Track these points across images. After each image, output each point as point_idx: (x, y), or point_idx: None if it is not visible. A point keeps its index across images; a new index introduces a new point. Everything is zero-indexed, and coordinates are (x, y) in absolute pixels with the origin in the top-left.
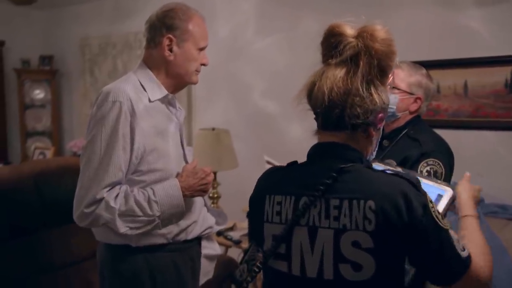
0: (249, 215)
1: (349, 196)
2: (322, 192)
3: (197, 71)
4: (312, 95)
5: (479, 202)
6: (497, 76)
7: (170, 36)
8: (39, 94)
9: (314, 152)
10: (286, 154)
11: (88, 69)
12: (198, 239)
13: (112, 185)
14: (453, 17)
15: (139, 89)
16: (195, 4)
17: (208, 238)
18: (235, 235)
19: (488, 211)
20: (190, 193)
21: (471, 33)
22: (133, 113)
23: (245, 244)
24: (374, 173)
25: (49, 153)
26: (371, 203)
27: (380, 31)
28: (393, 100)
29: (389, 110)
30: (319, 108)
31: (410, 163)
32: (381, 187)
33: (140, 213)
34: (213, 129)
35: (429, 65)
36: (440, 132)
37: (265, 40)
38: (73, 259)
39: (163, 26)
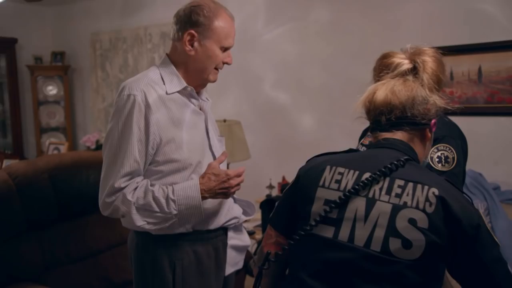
0: (294, 182)
1: (414, 180)
2: (389, 171)
3: (217, 69)
4: (373, 100)
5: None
6: None
7: (192, 31)
8: (52, 90)
9: (375, 145)
10: (298, 144)
11: (100, 64)
12: (223, 230)
13: (129, 175)
14: (467, 1)
15: (158, 82)
16: None
17: (236, 228)
18: (248, 226)
19: (504, 198)
20: (210, 195)
21: (485, 17)
22: (147, 105)
23: (258, 235)
24: (432, 172)
25: (63, 148)
26: (434, 190)
27: (428, 50)
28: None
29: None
30: (379, 111)
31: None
32: (443, 182)
33: (157, 209)
34: (225, 120)
35: (441, 51)
36: (454, 119)
37: (275, 31)
38: (89, 251)
39: (188, 21)
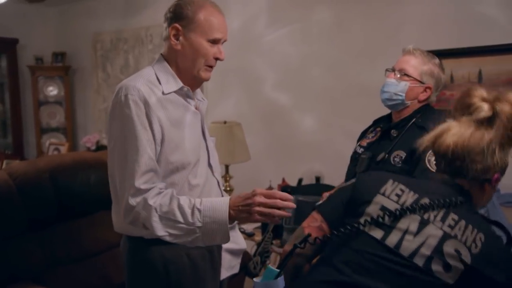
0: (354, 183)
1: (467, 219)
2: (448, 204)
3: (209, 66)
4: (437, 143)
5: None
6: None
7: (176, 25)
8: (52, 90)
9: (437, 179)
10: (298, 146)
11: (101, 65)
12: None
13: (147, 174)
14: (468, 4)
15: (153, 82)
16: None
17: (231, 231)
18: (248, 227)
19: (503, 201)
20: (234, 212)
21: (486, 20)
22: (146, 103)
23: (258, 237)
24: (484, 219)
25: (63, 149)
26: (481, 235)
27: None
28: (403, 87)
29: (397, 97)
30: (442, 156)
31: (419, 153)
32: (490, 230)
33: (180, 219)
34: (225, 122)
35: (442, 54)
36: None
37: (277, 32)
38: (89, 251)
39: (173, 16)
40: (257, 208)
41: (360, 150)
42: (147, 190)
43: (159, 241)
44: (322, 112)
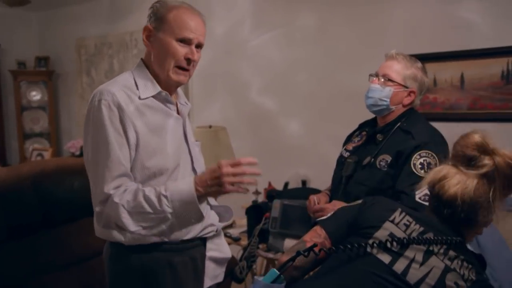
0: (361, 204)
1: (463, 256)
2: (449, 243)
3: (180, 67)
4: (439, 189)
5: None
6: (494, 68)
7: (148, 25)
8: (36, 95)
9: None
10: (284, 150)
11: (85, 70)
12: (201, 240)
13: (117, 178)
14: (450, 9)
15: (130, 87)
16: (190, 2)
17: (215, 239)
18: (234, 232)
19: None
20: (203, 189)
21: (468, 24)
22: (119, 108)
23: (244, 241)
24: (479, 258)
25: (47, 154)
26: (473, 271)
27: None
28: (387, 92)
29: (382, 103)
30: (444, 204)
31: (404, 157)
32: (480, 272)
33: (149, 209)
34: (210, 126)
35: (425, 58)
36: (437, 125)
37: (261, 37)
38: (73, 259)
39: (148, 18)
40: (227, 179)
41: (346, 154)
42: (115, 193)
43: (139, 248)
44: (307, 116)
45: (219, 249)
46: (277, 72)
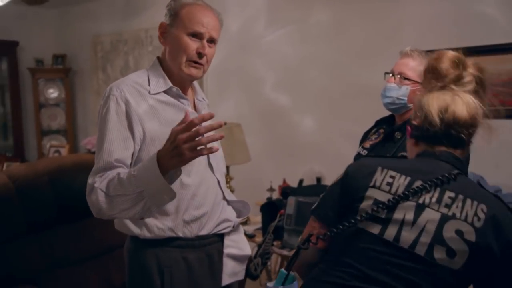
0: (343, 178)
1: (464, 194)
2: (441, 182)
3: (193, 61)
4: (451, 112)
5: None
6: None
7: (163, 22)
8: (53, 92)
9: (428, 154)
10: (298, 147)
11: (101, 66)
12: (219, 236)
13: (103, 171)
14: (467, 3)
15: (141, 83)
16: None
17: (234, 236)
18: (248, 229)
19: (506, 201)
20: (166, 162)
21: (486, 19)
22: (126, 102)
23: (259, 238)
24: (482, 188)
25: (64, 151)
26: (483, 206)
27: (481, 66)
28: (404, 91)
29: (400, 101)
30: (451, 126)
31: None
32: (493, 199)
33: (122, 191)
34: (225, 123)
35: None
36: None
37: (276, 33)
38: (89, 254)
39: (165, 16)
40: (185, 146)
41: (363, 152)
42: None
43: (155, 243)
44: (321, 112)
45: (238, 246)
46: (291, 68)
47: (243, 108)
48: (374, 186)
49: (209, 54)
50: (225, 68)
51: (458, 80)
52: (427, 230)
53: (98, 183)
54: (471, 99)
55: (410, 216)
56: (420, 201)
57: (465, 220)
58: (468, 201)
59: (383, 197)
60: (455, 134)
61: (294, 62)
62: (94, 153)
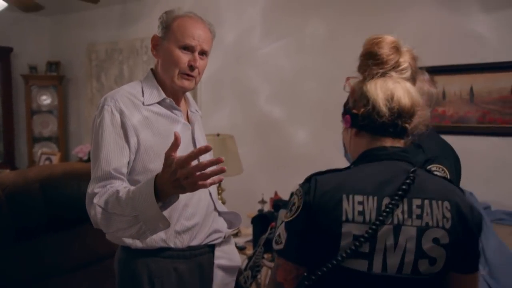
0: (304, 212)
1: (428, 196)
2: (405, 192)
3: (185, 73)
4: (396, 100)
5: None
6: (503, 81)
7: (155, 35)
8: (46, 99)
9: (380, 154)
10: (291, 159)
11: (95, 75)
12: (210, 247)
13: (102, 180)
14: (460, 22)
15: (136, 94)
16: (200, 10)
17: (224, 247)
18: (239, 241)
19: (495, 218)
20: (167, 190)
21: (477, 38)
22: (121, 112)
23: (249, 251)
24: (434, 177)
25: (55, 159)
26: (446, 204)
27: (415, 54)
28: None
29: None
30: (397, 116)
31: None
32: (448, 189)
33: (120, 211)
34: (218, 134)
35: (434, 70)
36: (446, 138)
37: (271, 45)
38: (79, 263)
39: (158, 28)
40: (186, 181)
41: None
42: (98, 193)
43: (146, 253)
44: (315, 125)
45: (228, 257)
46: (285, 80)
47: (237, 119)
48: (347, 221)
49: (200, 66)
50: (220, 79)
51: (397, 67)
52: (408, 249)
53: (97, 198)
54: (410, 87)
55: (390, 241)
56: (395, 221)
57: (437, 226)
58: (434, 204)
59: (360, 230)
60: (400, 124)
61: (289, 74)
62: (86, 161)
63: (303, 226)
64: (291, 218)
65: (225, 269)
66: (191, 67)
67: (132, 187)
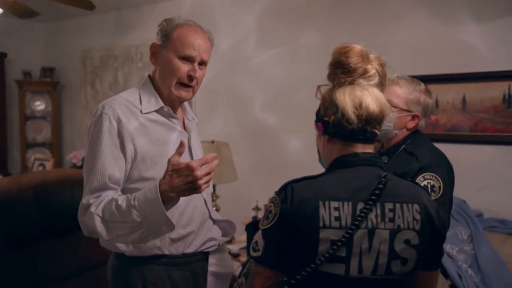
0: (281, 220)
1: (399, 200)
2: (378, 197)
3: (182, 83)
4: (364, 107)
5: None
6: (495, 91)
7: (154, 42)
8: (40, 105)
9: (352, 161)
10: (285, 166)
11: (89, 81)
12: (204, 254)
13: (98, 191)
14: (452, 32)
15: (133, 102)
16: (195, 18)
17: (218, 254)
18: (233, 248)
19: (487, 225)
20: (176, 194)
21: (470, 48)
22: (119, 121)
23: (243, 258)
24: (404, 180)
25: (48, 165)
26: (416, 206)
27: (382, 61)
28: (390, 118)
29: (386, 128)
30: (368, 120)
31: (409, 179)
32: (416, 192)
33: (121, 219)
34: (213, 141)
35: (428, 79)
36: (439, 146)
37: (265, 54)
38: (71, 271)
39: (156, 35)
40: (202, 181)
41: None
42: (93, 203)
43: (140, 260)
44: (309, 133)
45: (222, 264)
46: (280, 89)
47: (231, 127)
48: (325, 227)
49: (199, 76)
50: (214, 87)
51: (365, 74)
52: (382, 251)
53: (94, 207)
54: (378, 93)
55: (365, 244)
56: (369, 225)
57: (408, 228)
58: (405, 207)
59: (337, 235)
60: (369, 130)
61: (284, 82)
62: (79, 167)
63: (280, 233)
64: (268, 225)
65: (219, 276)
66: (190, 77)
67: (131, 195)
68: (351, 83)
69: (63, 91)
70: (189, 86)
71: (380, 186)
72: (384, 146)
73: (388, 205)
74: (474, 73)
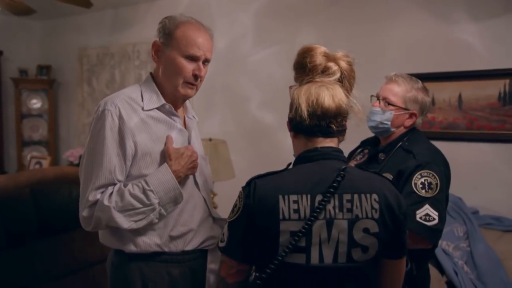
0: (244, 214)
1: (357, 190)
2: (335, 189)
3: (188, 82)
4: (319, 103)
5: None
6: (491, 89)
7: (157, 41)
8: (36, 103)
9: (313, 155)
10: (282, 164)
11: (86, 79)
12: (202, 252)
13: (104, 188)
14: (448, 31)
15: (135, 99)
16: (192, 16)
17: (217, 251)
18: None
19: (482, 222)
20: (183, 173)
21: (465, 46)
22: (120, 118)
23: None
24: (364, 172)
25: (45, 163)
26: (375, 196)
27: (344, 56)
28: (388, 116)
29: (383, 125)
30: (324, 116)
31: (405, 176)
32: (376, 183)
33: (139, 205)
34: (210, 139)
35: (424, 77)
36: (435, 144)
37: (262, 52)
38: (69, 269)
39: (157, 33)
40: (198, 160)
41: None
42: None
43: (140, 257)
44: None
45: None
46: (277, 87)
47: (229, 125)
48: (284, 219)
49: (203, 74)
50: (212, 85)
51: (324, 71)
52: (341, 240)
53: (106, 200)
54: (337, 89)
55: (324, 234)
56: (327, 215)
57: (367, 217)
58: (363, 197)
59: (296, 226)
60: (325, 125)
61: (280, 81)
62: (76, 165)
63: (244, 226)
64: (232, 218)
65: (216, 273)
66: (195, 76)
67: (139, 182)
68: (310, 81)
69: (60, 89)
70: (194, 84)
71: (338, 178)
72: (382, 143)
73: (346, 196)
74: (470, 71)
